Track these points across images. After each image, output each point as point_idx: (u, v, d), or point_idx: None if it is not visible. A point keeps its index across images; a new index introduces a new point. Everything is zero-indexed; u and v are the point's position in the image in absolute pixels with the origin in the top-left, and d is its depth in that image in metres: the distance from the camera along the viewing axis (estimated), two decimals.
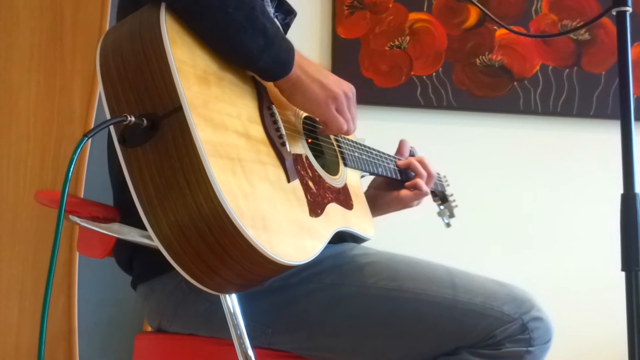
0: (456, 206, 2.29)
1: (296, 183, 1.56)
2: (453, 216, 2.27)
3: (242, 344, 1.52)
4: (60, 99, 3.03)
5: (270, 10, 1.79)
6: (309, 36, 3.39)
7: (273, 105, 1.59)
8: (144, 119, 1.33)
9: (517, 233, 2.75)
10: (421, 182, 2.04)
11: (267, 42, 1.44)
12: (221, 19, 1.39)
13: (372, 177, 2.07)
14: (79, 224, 1.66)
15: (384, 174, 2.01)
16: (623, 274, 2.21)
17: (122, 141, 1.34)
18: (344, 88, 1.62)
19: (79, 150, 1.28)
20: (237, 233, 1.31)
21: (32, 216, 2.98)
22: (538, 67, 2.40)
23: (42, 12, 3.07)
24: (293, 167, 1.55)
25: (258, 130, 1.50)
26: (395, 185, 2.07)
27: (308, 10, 3.47)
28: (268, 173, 1.46)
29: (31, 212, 2.97)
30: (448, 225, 2.28)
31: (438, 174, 2.24)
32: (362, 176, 2.02)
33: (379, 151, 2.02)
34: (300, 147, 1.67)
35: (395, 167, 2.05)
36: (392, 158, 2.07)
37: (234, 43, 1.43)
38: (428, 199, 2.13)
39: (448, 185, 2.29)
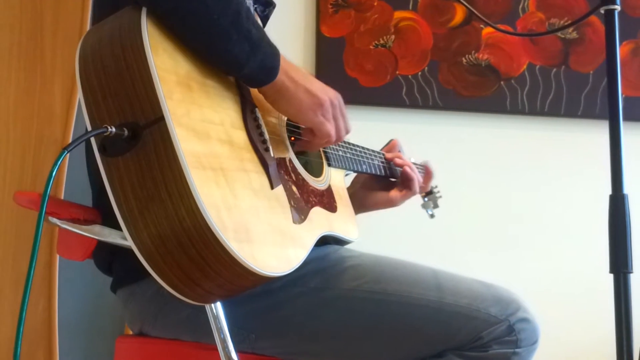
0: (440, 197, 2.27)
1: (280, 189, 1.54)
2: (437, 207, 2.25)
3: (225, 348, 1.51)
4: (40, 99, 3.01)
5: (249, 2, 1.76)
6: (292, 35, 3.37)
7: (257, 109, 1.56)
8: (125, 128, 1.30)
9: (505, 234, 2.73)
10: (416, 184, 2.03)
11: (253, 48, 1.41)
12: (206, 26, 1.36)
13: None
14: (59, 226, 1.63)
15: (369, 172, 1.99)
16: (611, 275, 2.19)
17: (102, 150, 1.32)
18: (330, 95, 1.58)
19: (59, 163, 1.26)
20: (220, 247, 1.29)
21: (12, 217, 2.94)
22: (525, 67, 2.37)
23: (22, 10, 3.04)
24: (276, 173, 1.53)
25: (241, 136, 1.47)
26: (382, 183, 2.06)
27: (292, 9, 3.45)
28: (251, 181, 1.44)
29: (10, 213, 2.94)
30: (432, 216, 2.27)
31: (422, 165, 2.22)
32: (347, 174, 2.01)
33: (363, 147, 2.00)
34: (283, 150, 1.65)
35: (380, 164, 2.03)
36: (376, 154, 2.05)
37: (218, 50, 1.40)
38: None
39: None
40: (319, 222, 1.67)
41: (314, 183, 1.72)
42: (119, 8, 1.39)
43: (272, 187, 1.49)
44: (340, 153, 1.90)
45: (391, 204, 2.06)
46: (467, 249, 2.99)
